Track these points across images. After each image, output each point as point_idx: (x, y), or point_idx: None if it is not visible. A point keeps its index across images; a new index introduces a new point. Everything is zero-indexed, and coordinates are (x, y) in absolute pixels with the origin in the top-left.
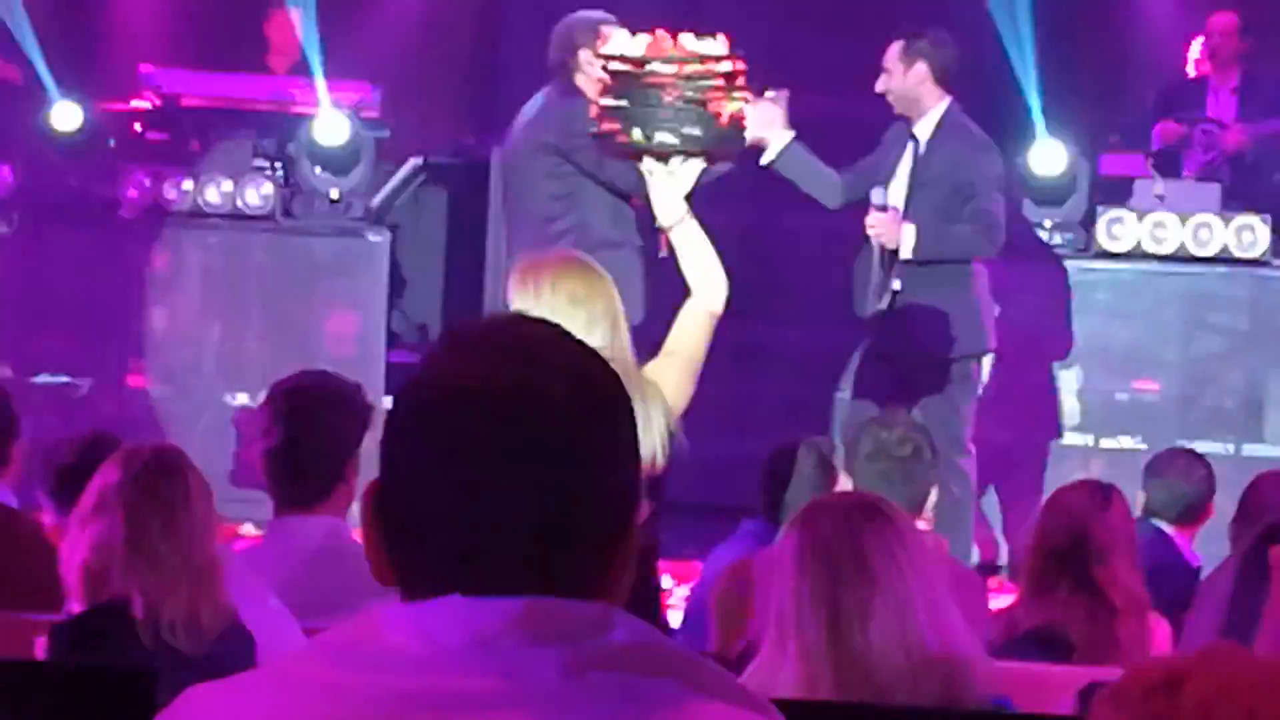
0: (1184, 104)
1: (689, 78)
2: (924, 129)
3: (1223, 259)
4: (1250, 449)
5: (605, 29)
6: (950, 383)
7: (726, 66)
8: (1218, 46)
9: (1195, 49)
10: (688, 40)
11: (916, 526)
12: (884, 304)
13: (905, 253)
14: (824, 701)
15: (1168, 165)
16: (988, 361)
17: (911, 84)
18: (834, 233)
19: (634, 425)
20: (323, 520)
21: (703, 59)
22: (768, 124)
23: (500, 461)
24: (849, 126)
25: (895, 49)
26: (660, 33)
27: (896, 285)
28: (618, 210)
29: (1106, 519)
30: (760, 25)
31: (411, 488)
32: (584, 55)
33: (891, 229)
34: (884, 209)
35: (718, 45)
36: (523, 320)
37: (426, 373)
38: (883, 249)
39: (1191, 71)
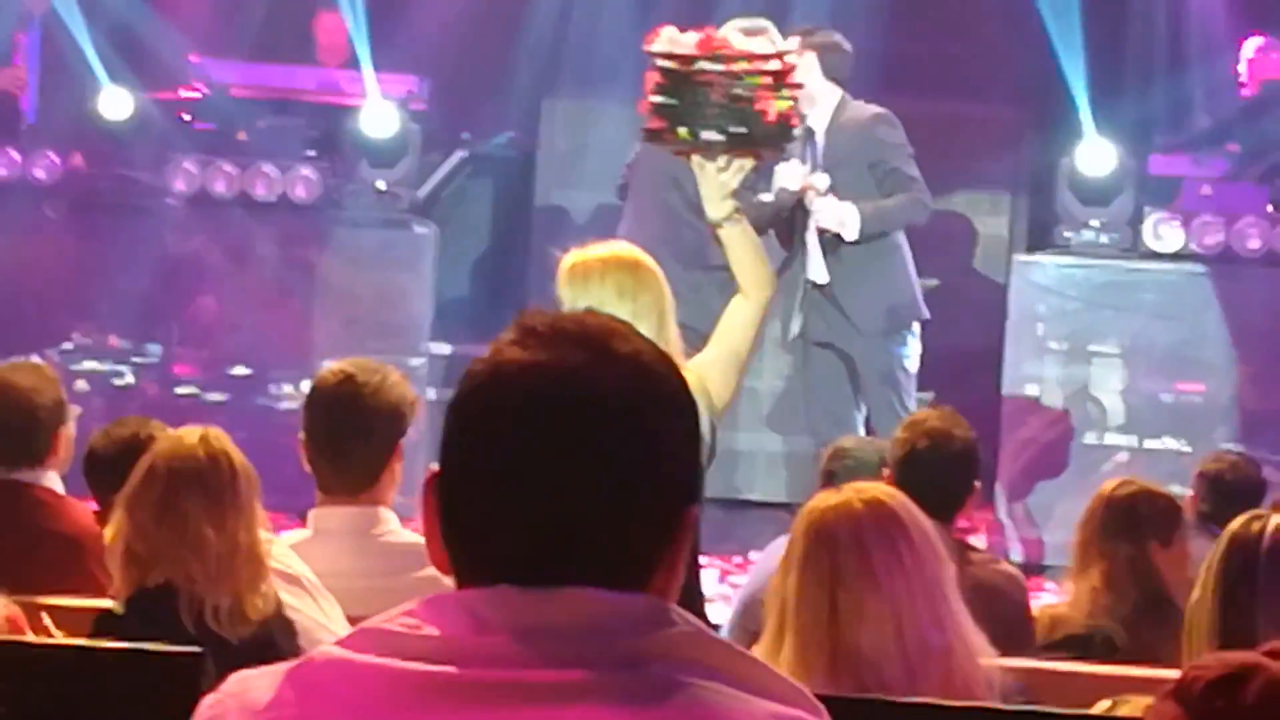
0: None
1: (737, 75)
2: (819, 119)
3: (1268, 260)
4: None
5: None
6: (895, 355)
7: (775, 65)
8: None
9: (1248, 49)
10: (736, 38)
11: (927, 527)
12: (817, 284)
13: (851, 234)
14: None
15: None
16: (917, 327)
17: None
18: None
19: (696, 422)
20: (366, 508)
21: (750, 57)
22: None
23: (562, 452)
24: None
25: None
26: (709, 30)
27: (823, 277)
28: None
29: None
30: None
31: (472, 477)
32: None
33: (835, 212)
34: (829, 192)
35: (766, 44)
36: (589, 315)
37: (490, 363)
38: (820, 232)
39: (1242, 71)
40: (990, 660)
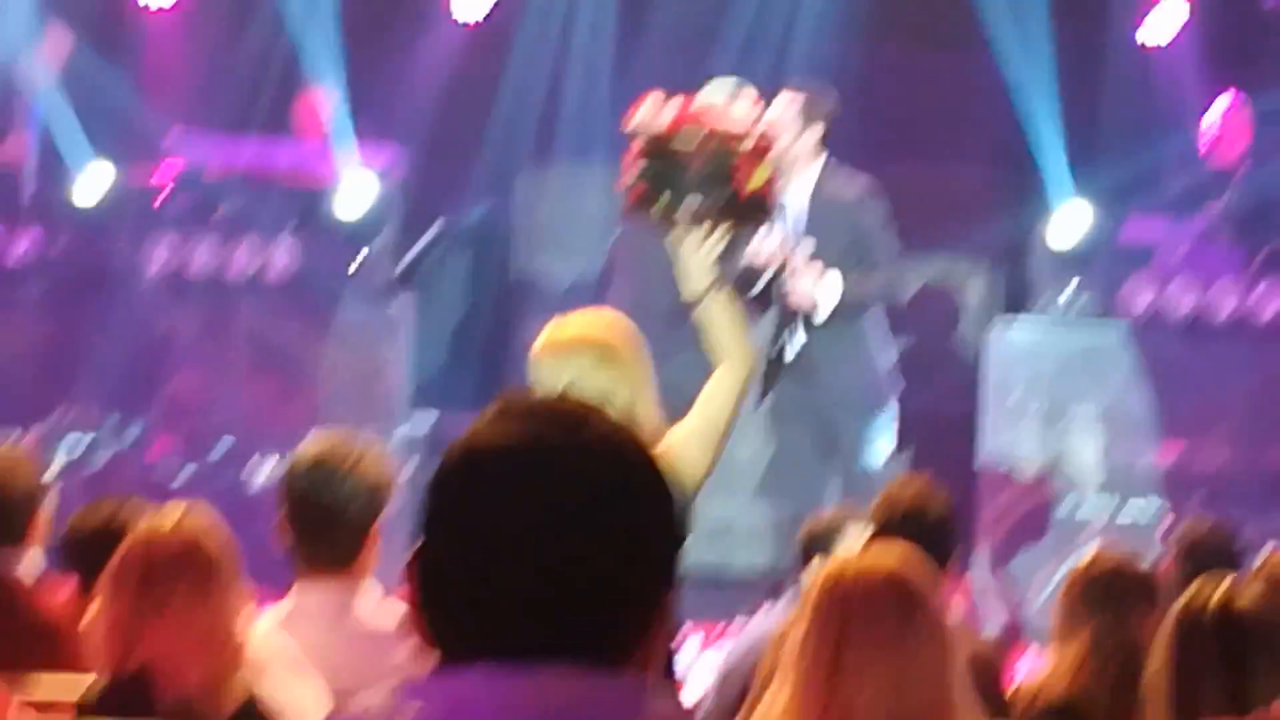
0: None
1: (716, 147)
2: (803, 186)
3: (1242, 324)
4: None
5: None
6: (872, 426)
7: (755, 135)
8: None
9: (1217, 108)
10: (714, 113)
11: (937, 595)
12: (789, 357)
13: (820, 317)
14: None
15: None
16: (894, 401)
17: (806, 142)
18: None
19: (671, 504)
20: (346, 585)
21: (729, 129)
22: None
23: (540, 533)
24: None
25: (797, 103)
26: (688, 101)
27: (799, 340)
28: None
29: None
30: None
31: (451, 557)
32: None
33: (809, 292)
34: (811, 260)
35: (745, 116)
36: (567, 397)
37: (468, 444)
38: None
39: (1213, 132)
40: None
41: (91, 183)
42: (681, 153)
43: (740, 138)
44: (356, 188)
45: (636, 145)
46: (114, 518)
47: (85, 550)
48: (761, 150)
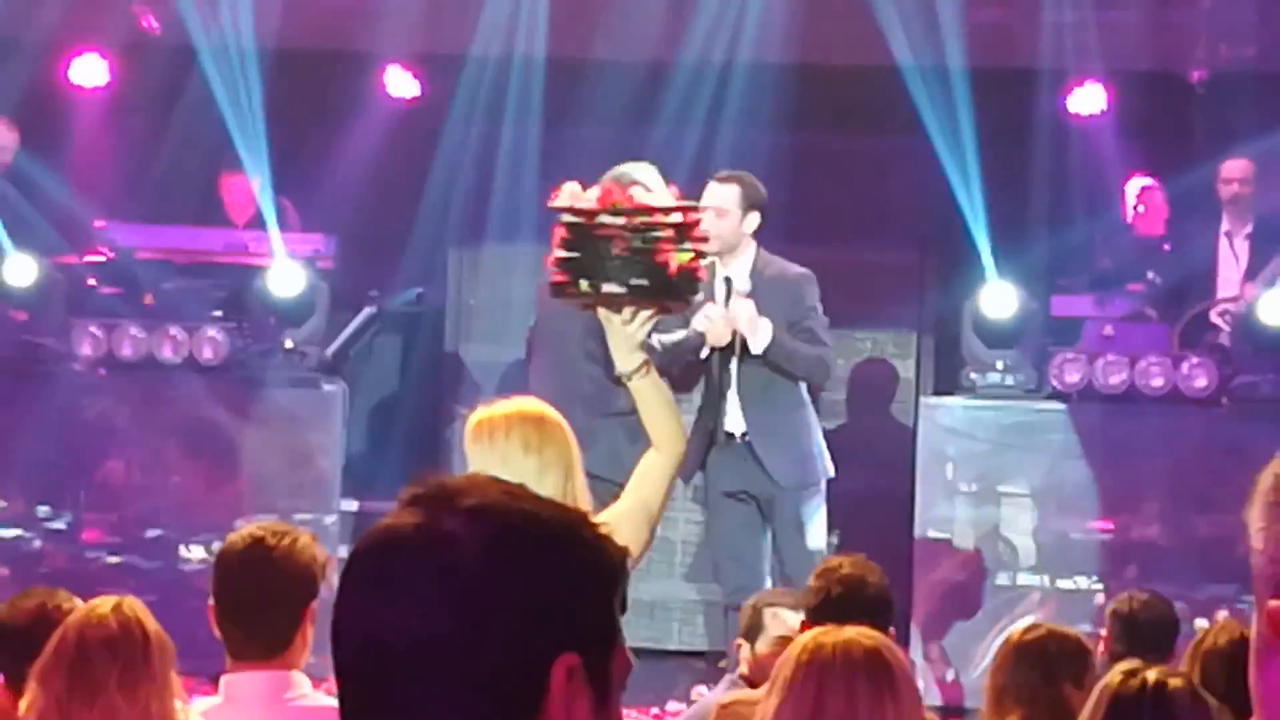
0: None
1: (637, 229)
2: (740, 270)
3: (1172, 398)
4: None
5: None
6: (807, 506)
7: (677, 218)
8: (1237, 194)
9: (1131, 191)
10: (638, 193)
11: (911, 675)
12: (732, 435)
13: (759, 346)
14: None
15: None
16: (823, 484)
17: (745, 229)
18: None
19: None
20: (278, 673)
21: (651, 210)
22: (750, 317)
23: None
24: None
25: (734, 194)
26: (611, 185)
27: (740, 428)
28: None
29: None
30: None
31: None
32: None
33: (751, 319)
34: (747, 296)
35: (667, 197)
36: (480, 478)
37: (379, 528)
38: (715, 351)
39: (1131, 213)
40: None
41: (17, 270)
42: (603, 235)
43: (663, 217)
44: (286, 271)
45: (561, 228)
46: (41, 607)
47: (13, 641)
48: (684, 229)
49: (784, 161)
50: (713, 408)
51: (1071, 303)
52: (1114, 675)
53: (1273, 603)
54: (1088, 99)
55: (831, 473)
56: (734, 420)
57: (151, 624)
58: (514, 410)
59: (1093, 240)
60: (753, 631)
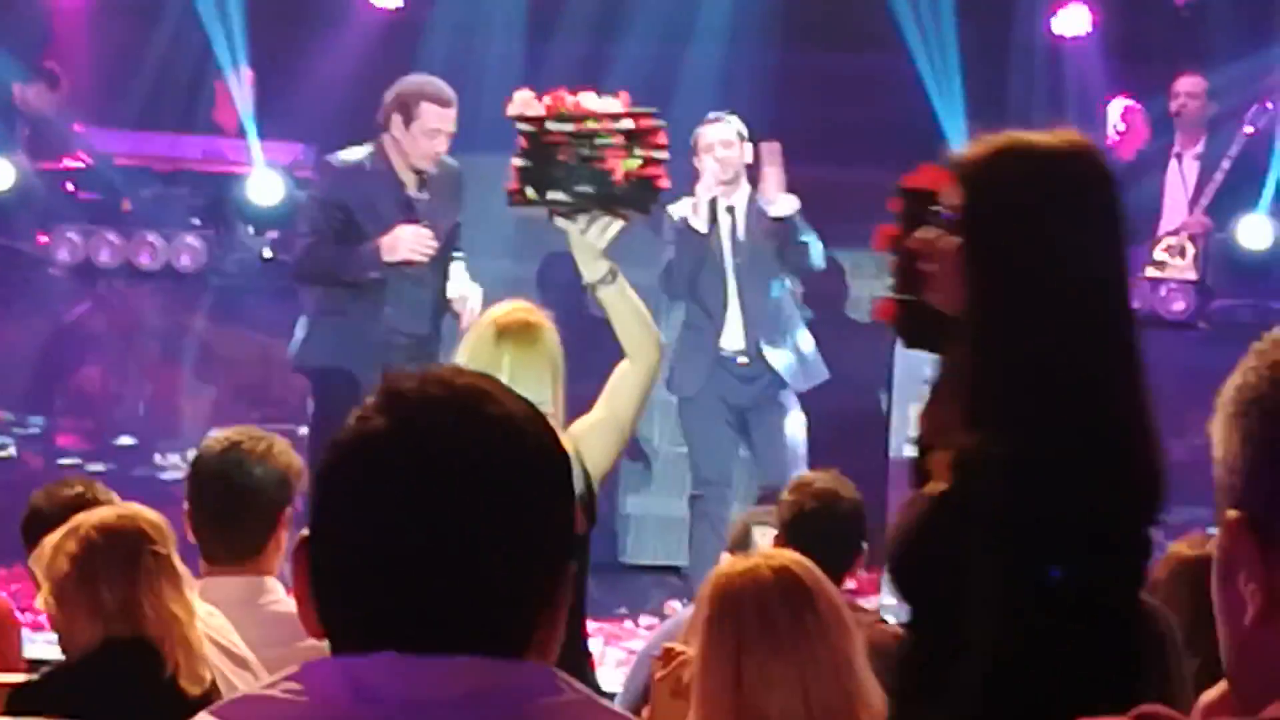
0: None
1: (584, 135)
2: (740, 199)
3: (1149, 321)
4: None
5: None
6: (794, 404)
7: (627, 124)
8: (1184, 108)
9: (1113, 113)
10: (586, 99)
11: (832, 591)
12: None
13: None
14: None
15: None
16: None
17: (746, 159)
18: None
19: (568, 480)
20: (252, 578)
21: (599, 117)
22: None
23: (429, 515)
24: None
25: (737, 124)
26: (560, 92)
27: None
28: None
29: None
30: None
31: (343, 545)
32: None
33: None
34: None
35: (616, 103)
36: (457, 374)
37: (357, 425)
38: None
39: (1113, 135)
40: None
41: None
42: (551, 143)
43: (611, 124)
44: (265, 179)
45: (519, 137)
46: (80, 497)
47: (51, 529)
48: (635, 136)
49: (772, 79)
50: (714, 320)
51: None
52: None
53: (1230, 513)
54: (1072, 20)
55: (826, 374)
56: (733, 336)
57: (149, 514)
58: (502, 315)
59: None
60: (739, 548)
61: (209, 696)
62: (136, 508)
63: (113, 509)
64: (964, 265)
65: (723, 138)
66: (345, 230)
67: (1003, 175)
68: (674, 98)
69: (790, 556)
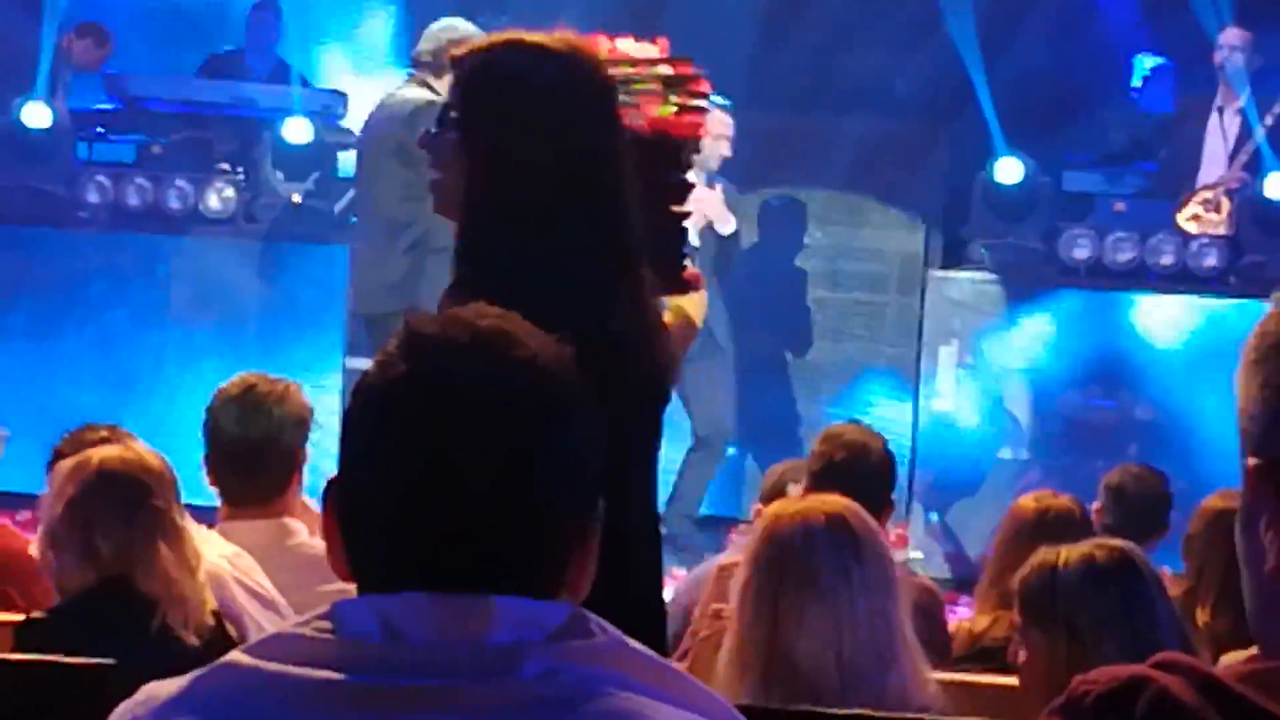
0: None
1: (620, 81)
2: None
3: (1181, 276)
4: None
5: None
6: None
7: (664, 70)
8: (1228, 60)
9: (1142, 67)
10: (623, 43)
11: (880, 538)
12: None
13: (731, 227)
14: (752, 706)
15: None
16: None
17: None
18: None
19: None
20: (272, 520)
21: (635, 62)
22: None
23: (452, 459)
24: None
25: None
26: (596, 37)
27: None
28: None
29: None
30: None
31: (369, 483)
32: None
33: (718, 205)
34: (711, 186)
35: (654, 49)
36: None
37: (382, 367)
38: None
39: (1138, 83)
40: (931, 682)
41: (31, 116)
42: None
43: (651, 64)
44: (294, 126)
45: None
46: (105, 442)
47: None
48: (678, 80)
49: (793, 29)
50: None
51: (1083, 178)
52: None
53: (1251, 460)
54: None
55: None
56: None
57: (154, 459)
58: None
59: (1104, 117)
60: (772, 499)
61: (213, 645)
62: (142, 451)
63: (117, 452)
64: (462, 162)
65: (722, 130)
66: None
67: (492, 70)
68: (681, 38)
69: (844, 502)
